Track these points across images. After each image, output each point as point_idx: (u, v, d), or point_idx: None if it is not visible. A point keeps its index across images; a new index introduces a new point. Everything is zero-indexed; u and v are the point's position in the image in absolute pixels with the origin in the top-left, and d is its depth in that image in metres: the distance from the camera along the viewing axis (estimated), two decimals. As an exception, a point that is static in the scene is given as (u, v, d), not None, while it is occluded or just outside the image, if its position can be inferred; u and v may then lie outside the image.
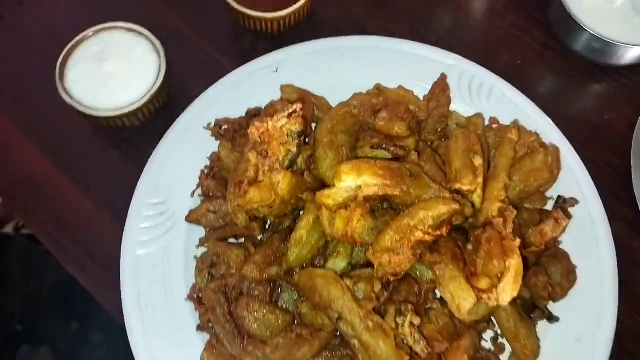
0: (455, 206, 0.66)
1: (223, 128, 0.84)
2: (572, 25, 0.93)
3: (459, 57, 0.92)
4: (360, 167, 0.69)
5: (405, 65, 0.91)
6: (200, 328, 0.75)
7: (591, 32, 0.90)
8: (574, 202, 0.80)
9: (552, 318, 0.74)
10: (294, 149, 0.74)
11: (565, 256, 0.77)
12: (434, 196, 0.69)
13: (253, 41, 0.98)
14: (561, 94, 0.97)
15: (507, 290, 0.62)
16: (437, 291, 0.74)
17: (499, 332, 0.75)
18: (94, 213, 0.87)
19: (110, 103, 0.85)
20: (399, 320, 0.65)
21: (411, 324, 0.66)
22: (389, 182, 0.70)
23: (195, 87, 0.89)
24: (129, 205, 0.81)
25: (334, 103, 0.86)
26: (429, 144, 0.83)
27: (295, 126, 0.73)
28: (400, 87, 0.89)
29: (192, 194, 0.82)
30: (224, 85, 0.89)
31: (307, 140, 0.81)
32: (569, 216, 0.77)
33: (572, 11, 0.92)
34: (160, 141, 0.85)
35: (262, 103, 0.87)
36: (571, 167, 0.83)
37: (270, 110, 0.79)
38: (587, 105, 0.97)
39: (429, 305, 0.74)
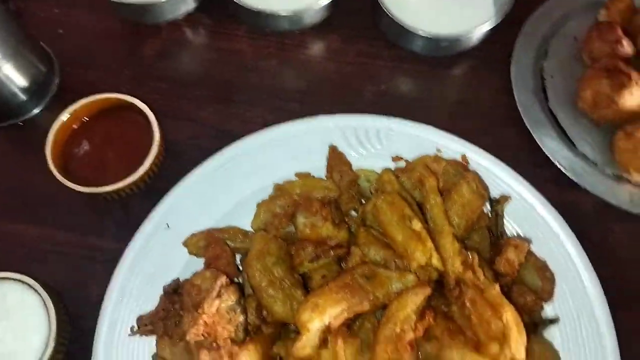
0: (426, 290, 0.63)
1: (148, 326, 0.74)
2: (403, 31, 0.93)
3: (332, 116, 0.88)
4: (318, 304, 0.63)
5: (291, 150, 0.86)
6: None
7: (421, 32, 0.92)
8: (506, 198, 0.81)
9: (553, 321, 0.75)
10: (241, 318, 0.66)
11: (535, 262, 0.77)
12: (401, 288, 0.65)
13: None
14: (435, 98, 0.98)
15: (519, 346, 0.61)
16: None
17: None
18: None
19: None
20: None
21: None
22: (354, 300, 0.65)
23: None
24: None
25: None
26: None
27: (231, 298, 0.65)
28: (299, 176, 0.83)
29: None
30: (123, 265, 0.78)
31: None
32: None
33: (397, 17, 0.92)
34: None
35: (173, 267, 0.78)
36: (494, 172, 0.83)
37: (189, 288, 0.69)
38: (461, 97, 0.98)
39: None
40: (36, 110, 0.92)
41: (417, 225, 0.69)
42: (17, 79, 0.88)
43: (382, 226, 0.72)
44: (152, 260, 0.78)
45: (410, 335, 0.63)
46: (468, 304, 0.64)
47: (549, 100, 0.94)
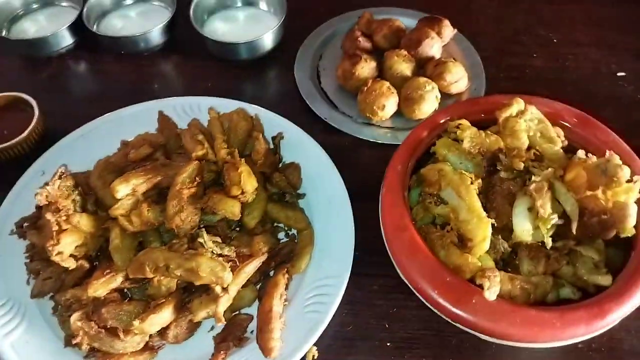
0: (196, 163, 1.00)
1: (25, 226, 1.05)
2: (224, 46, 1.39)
3: (167, 99, 1.29)
4: (126, 177, 0.99)
5: (136, 121, 1.24)
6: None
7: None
8: (280, 134, 1.20)
9: (300, 195, 1.11)
10: (78, 197, 1.00)
11: (291, 163, 1.15)
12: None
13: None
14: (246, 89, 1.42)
15: (248, 184, 0.98)
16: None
17: (285, 228, 1.09)
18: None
19: None
20: (200, 240, 0.94)
21: (213, 240, 0.95)
22: (151, 175, 1.00)
23: None
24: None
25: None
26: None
27: (68, 181, 0.99)
28: (138, 135, 1.21)
29: (27, 282, 1.01)
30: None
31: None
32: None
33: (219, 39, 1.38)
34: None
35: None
36: (276, 122, 1.23)
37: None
38: (261, 87, 1.42)
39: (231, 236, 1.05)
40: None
41: (200, 136, 1.07)
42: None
43: (184, 144, 1.09)
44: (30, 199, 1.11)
45: (186, 192, 0.97)
46: (225, 171, 1.00)
47: (321, 83, 1.39)
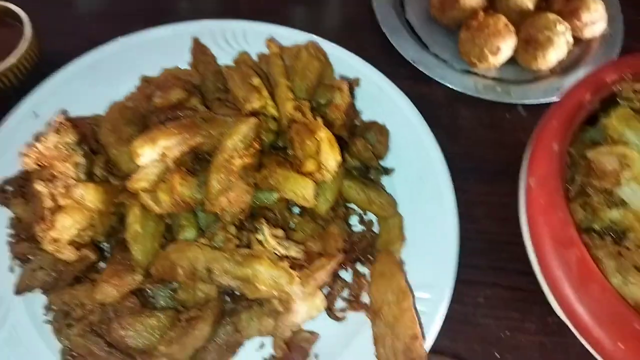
0: (254, 120, 0.68)
1: (7, 190, 0.76)
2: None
3: (202, 21, 0.95)
4: (152, 136, 0.68)
5: (160, 50, 0.92)
6: (91, 385, 0.67)
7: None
8: (357, 80, 0.88)
9: (387, 171, 0.80)
10: (82, 160, 0.70)
11: (373, 123, 0.84)
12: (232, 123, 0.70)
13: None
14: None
15: (330, 158, 0.66)
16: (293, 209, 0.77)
17: (360, 211, 0.80)
18: None
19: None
20: (259, 237, 0.65)
21: (274, 236, 0.66)
22: (187, 135, 0.69)
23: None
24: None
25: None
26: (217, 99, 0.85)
27: (69, 136, 0.69)
28: (165, 70, 0.89)
29: (11, 269, 0.73)
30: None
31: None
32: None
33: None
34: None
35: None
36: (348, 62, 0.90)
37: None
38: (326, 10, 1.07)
39: (291, 223, 0.75)
40: None
41: (256, 80, 0.75)
42: None
43: (231, 89, 0.78)
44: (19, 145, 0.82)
45: (238, 162, 0.67)
46: (293, 134, 0.69)
47: (406, 12, 1.04)
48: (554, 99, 0.91)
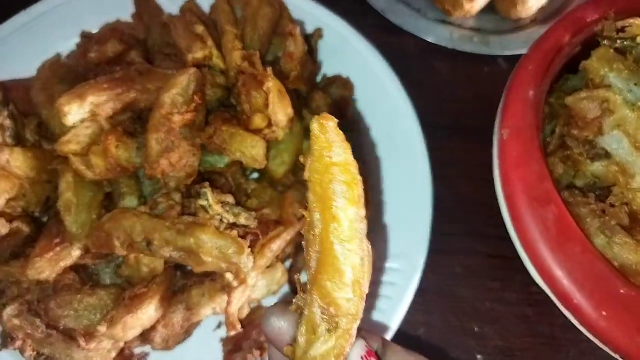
0: (193, 70, 0.61)
1: None
2: None
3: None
4: (80, 92, 0.60)
5: (102, 2, 0.83)
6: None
7: None
8: (319, 31, 0.80)
9: (352, 128, 0.74)
10: (9, 122, 0.62)
11: (337, 77, 0.77)
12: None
13: None
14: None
15: (279, 111, 0.59)
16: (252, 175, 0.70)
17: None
18: None
19: None
20: (202, 202, 0.58)
21: (222, 202, 0.59)
22: (120, 90, 0.62)
23: None
24: None
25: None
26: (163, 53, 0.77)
27: (-9, 95, 0.61)
28: (106, 24, 0.80)
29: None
30: None
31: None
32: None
33: None
34: None
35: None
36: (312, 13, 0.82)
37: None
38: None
39: (247, 189, 0.68)
40: None
41: (199, 28, 0.67)
42: None
43: (174, 39, 0.70)
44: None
45: (178, 119, 0.60)
46: (240, 87, 0.62)
47: (376, -43, 0.95)
48: (535, 48, 0.83)
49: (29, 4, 0.82)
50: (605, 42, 0.61)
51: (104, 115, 0.61)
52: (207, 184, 0.60)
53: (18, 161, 0.61)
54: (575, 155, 0.57)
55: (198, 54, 0.65)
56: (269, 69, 0.62)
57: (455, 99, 0.85)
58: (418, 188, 0.71)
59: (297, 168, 0.69)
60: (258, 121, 0.59)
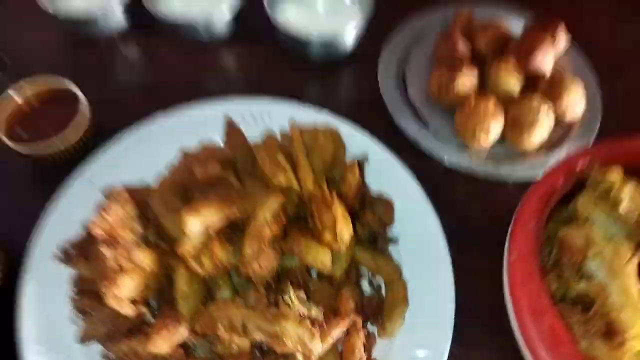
0: (279, 196, 0.82)
1: (70, 252, 0.89)
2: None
3: (230, 101, 1.11)
4: (198, 207, 0.81)
5: (196, 124, 1.07)
6: None
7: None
8: (365, 156, 1.02)
9: (393, 240, 0.94)
10: (139, 228, 0.84)
11: (380, 196, 0.98)
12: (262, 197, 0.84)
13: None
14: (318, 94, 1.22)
15: (344, 231, 0.80)
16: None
17: (370, 275, 0.92)
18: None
19: None
20: (287, 299, 0.77)
21: (299, 297, 0.79)
22: (227, 209, 0.83)
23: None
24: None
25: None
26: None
27: (128, 207, 0.83)
28: (202, 144, 1.03)
29: (72, 320, 0.86)
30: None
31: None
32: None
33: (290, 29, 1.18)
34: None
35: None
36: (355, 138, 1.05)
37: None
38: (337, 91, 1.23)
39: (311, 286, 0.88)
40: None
41: (281, 158, 0.89)
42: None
43: (258, 163, 0.92)
44: (75, 210, 0.95)
45: (267, 232, 0.81)
46: (313, 208, 0.83)
47: (409, 93, 1.19)
48: (539, 173, 1.04)
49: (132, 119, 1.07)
50: (590, 188, 0.82)
51: (212, 227, 0.82)
52: (289, 282, 0.80)
53: (147, 259, 0.81)
54: (566, 275, 0.76)
55: (282, 179, 0.86)
56: (335, 195, 0.83)
57: (473, 215, 1.05)
58: (444, 287, 0.90)
59: (350, 270, 0.89)
60: (328, 237, 0.80)
